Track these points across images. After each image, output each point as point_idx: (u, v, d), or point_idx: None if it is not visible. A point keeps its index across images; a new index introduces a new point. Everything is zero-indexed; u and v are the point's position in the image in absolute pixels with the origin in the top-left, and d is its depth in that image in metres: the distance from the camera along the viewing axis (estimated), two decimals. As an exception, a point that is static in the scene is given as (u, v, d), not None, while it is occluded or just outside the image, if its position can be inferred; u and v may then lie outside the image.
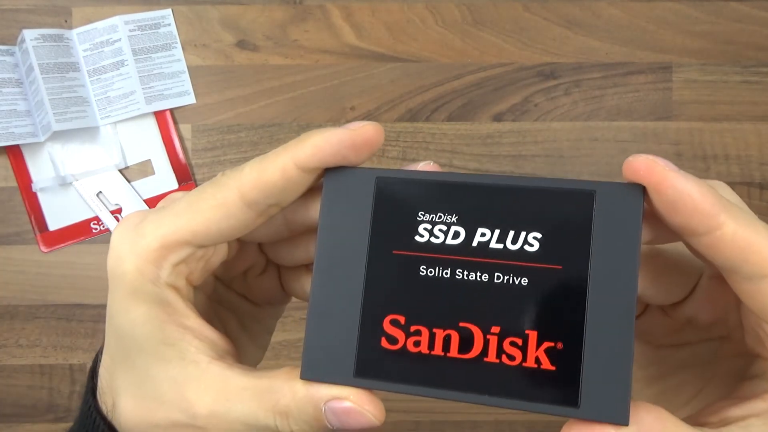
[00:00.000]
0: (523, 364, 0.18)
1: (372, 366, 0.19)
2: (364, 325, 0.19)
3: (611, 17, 0.72)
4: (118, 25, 0.72)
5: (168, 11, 0.72)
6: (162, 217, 0.21)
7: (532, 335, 0.18)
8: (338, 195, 0.20)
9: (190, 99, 0.72)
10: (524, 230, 0.19)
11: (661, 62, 0.72)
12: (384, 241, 0.19)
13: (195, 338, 0.21)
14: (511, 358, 0.18)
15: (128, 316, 0.20)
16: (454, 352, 0.19)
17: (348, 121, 0.75)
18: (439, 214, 0.19)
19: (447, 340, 0.19)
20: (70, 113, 0.69)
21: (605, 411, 0.18)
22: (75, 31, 0.71)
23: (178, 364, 0.20)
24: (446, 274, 0.19)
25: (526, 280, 0.18)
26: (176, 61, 0.72)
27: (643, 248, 0.22)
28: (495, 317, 0.19)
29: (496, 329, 0.18)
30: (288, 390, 0.19)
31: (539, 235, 0.19)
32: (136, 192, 0.71)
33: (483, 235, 0.19)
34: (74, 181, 0.71)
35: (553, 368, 0.18)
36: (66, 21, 0.72)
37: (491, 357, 0.18)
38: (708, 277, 0.22)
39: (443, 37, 0.72)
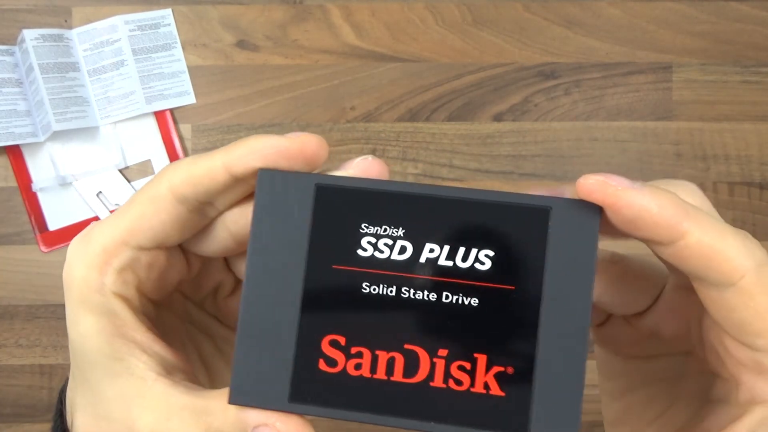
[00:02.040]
0: (471, 390, 0.17)
1: (309, 390, 0.18)
2: (301, 345, 0.18)
3: (611, 17, 0.72)
4: (118, 25, 0.72)
5: (168, 11, 0.72)
6: (105, 221, 0.20)
7: (481, 359, 0.17)
8: (272, 201, 0.18)
9: (190, 99, 0.72)
10: (475, 247, 0.18)
11: (661, 62, 0.72)
12: (323, 254, 0.18)
13: (143, 353, 0.20)
14: (459, 383, 0.17)
15: (78, 328, 0.20)
16: (398, 376, 0.17)
17: (348, 122, 0.75)
18: (384, 226, 0.18)
19: (390, 364, 0.17)
20: (70, 113, 0.69)
21: None
22: (75, 31, 0.71)
23: (127, 380, 0.20)
24: (391, 292, 0.18)
25: (477, 301, 0.17)
26: (176, 61, 0.72)
27: (605, 254, 0.22)
28: (442, 339, 0.17)
29: (443, 352, 0.17)
30: (221, 412, 0.19)
31: (491, 253, 0.18)
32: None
33: (431, 251, 0.18)
34: (74, 181, 0.71)
35: (503, 394, 0.17)
36: (66, 21, 0.72)
37: (438, 382, 0.17)
38: (672, 288, 0.22)
39: (443, 37, 0.72)
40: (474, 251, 0.18)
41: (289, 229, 0.18)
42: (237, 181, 0.19)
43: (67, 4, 0.72)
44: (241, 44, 0.72)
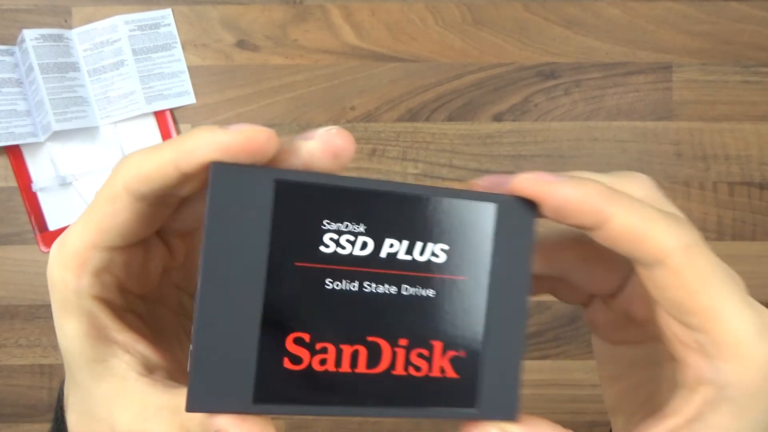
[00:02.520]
0: (429, 374, 0.19)
1: (273, 389, 0.18)
2: (264, 345, 0.17)
3: (611, 17, 0.72)
4: (118, 25, 0.72)
5: (168, 11, 0.72)
6: (76, 224, 0.20)
7: (438, 345, 0.19)
8: (228, 197, 0.17)
9: (190, 99, 0.72)
10: (431, 241, 0.19)
11: (661, 62, 0.72)
12: (285, 252, 0.17)
13: (125, 353, 0.20)
14: (418, 369, 0.19)
15: (62, 331, 0.20)
16: (362, 367, 0.18)
17: (348, 122, 0.75)
18: (345, 223, 0.18)
19: (354, 356, 0.18)
20: (70, 113, 0.69)
21: (498, 410, 0.19)
22: (75, 31, 0.71)
23: (110, 380, 0.20)
24: (354, 287, 0.18)
25: (433, 292, 0.19)
26: (176, 61, 0.72)
27: (574, 233, 0.23)
28: (403, 330, 0.18)
29: (404, 342, 0.18)
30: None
31: (446, 247, 0.19)
32: (136, 192, 0.71)
33: (391, 246, 0.18)
34: (74, 181, 0.71)
35: (457, 376, 0.19)
36: (66, 21, 0.72)
37: (399, 370, 0.18)
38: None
39: (443, 37, 0.72)
40: (431, 245, 0.19)
41: (248, 226, 0.17)
42: (190, 176, 0.18)
43: (67, 4, 0.72)
44: (241, 44, 0.72)
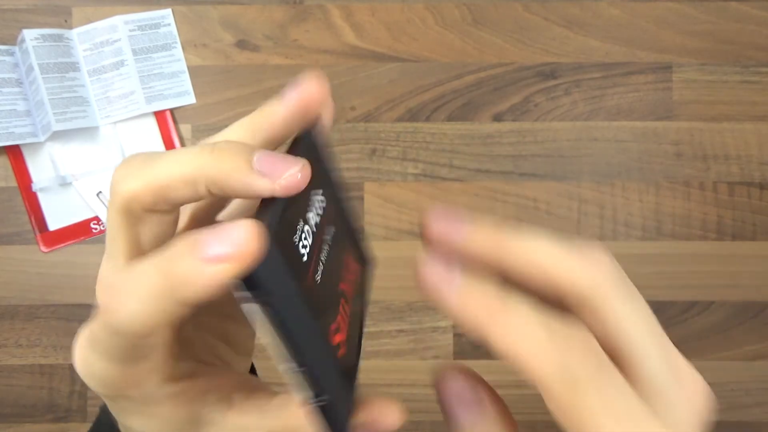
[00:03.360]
0: (355, 274, 0.24)
1: (349, 375, 0.21)
2: (335, 357, 0.20)
3: (611, 17, 0.72)
4: (118, 25, 0.72)
5: (168, 11, 0.72)
6: (88, 348, 0.20)
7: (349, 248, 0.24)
8: (266, 286, 0.17)
9: (190, 99, 0.72)
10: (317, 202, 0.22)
11: (661, 62, 0.72)
12: (303, 282, 0.18)
13: (209, 411, 0.21)
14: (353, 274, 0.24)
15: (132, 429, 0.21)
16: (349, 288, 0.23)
17: (348, 122, 0.75)
18: (297, 228, 0.19)
19: (345, 312, 0.22)
20: (70, 113, 0.69)
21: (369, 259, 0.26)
22: (75, 31, 0.71)
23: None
24: (324, 258, 0.21)
25: (333, 229, 0.22)
26: (176, 61, 0.72)
27: None
28: (339, 264, 0.22)
29: (345, 272, 0.23)
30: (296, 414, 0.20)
31: (322, 198, 0.22)
32: (136, 192, 0.71)
33: (312, 218, 0.21)
34: (74, 181, 0.71)
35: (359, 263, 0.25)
36: (66, 21, 0.72)
37: (348, 289, 0.23)
38: None
39: (443, 37, 0.72)
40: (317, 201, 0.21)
41: (281, 285, 0.18)
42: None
43: (67, 4, 0.72)
44: (241, 44, 0.72)
